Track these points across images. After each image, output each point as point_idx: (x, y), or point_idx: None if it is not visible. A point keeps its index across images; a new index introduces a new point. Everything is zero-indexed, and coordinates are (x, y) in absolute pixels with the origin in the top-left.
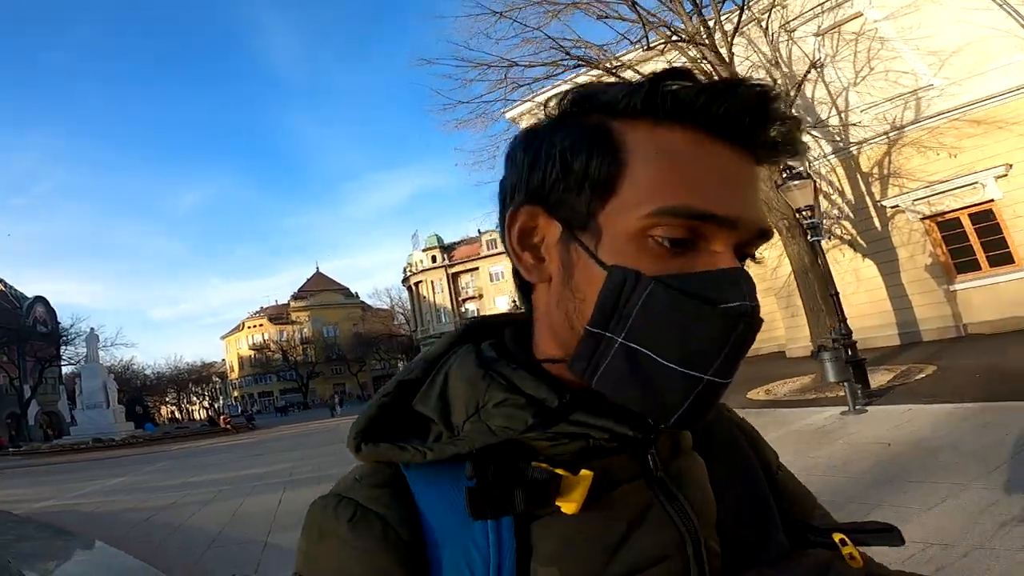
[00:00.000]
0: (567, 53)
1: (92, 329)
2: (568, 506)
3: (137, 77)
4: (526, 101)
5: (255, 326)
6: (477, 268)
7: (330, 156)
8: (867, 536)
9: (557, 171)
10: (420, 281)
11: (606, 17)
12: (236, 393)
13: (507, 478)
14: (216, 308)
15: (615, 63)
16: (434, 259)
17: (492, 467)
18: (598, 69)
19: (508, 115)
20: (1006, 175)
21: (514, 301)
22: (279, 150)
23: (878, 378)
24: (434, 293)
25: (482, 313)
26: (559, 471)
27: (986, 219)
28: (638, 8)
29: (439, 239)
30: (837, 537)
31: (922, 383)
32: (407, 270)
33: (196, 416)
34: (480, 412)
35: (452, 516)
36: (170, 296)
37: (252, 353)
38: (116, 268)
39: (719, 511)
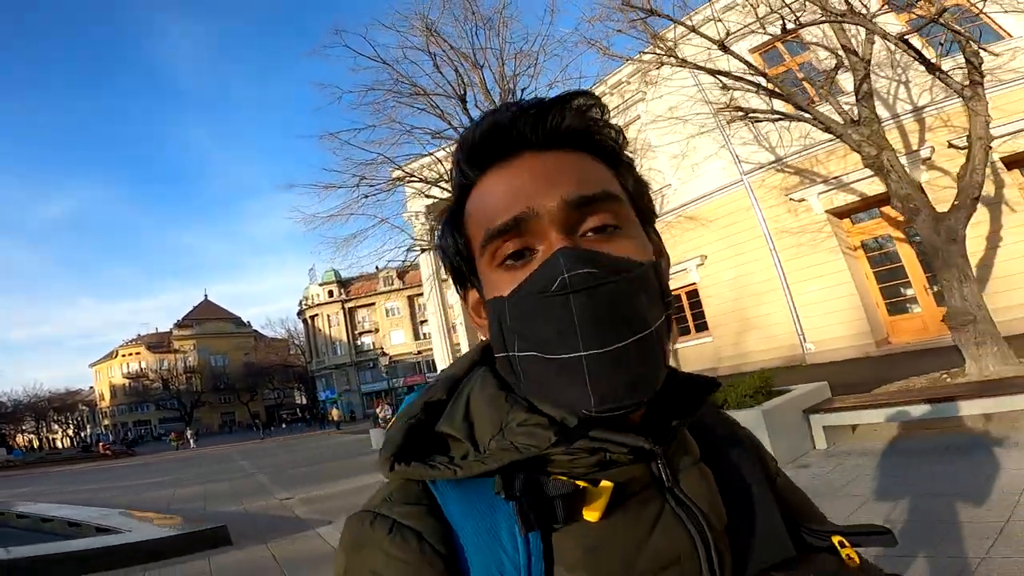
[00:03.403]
0: (402, 169)
1: None
2: (591, 515)
3: None
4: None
5: (131, 354)
6: (374, 303)
7: (227, 174)
8: (863, 538)
9: (448, 260)
10: (316, 315)
11: (440, 136)
12: (107, 422)
13: (533, 491)
14: (86, 330)
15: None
16: (331, 293)
17: (520, 480)
18: (427, 183)
19: (395, 175)
20: (703, 264)
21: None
22: (169, 164)
23: None
24: (330, 326)
25: (379, 346)
26: (580, 483)
27: (694, 296)
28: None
29: (336, 274)
30: (836, 539)
31: None
32: (303, 303)
33: (58, 445)
34: (504, 431)
35: (481, 528)
36: (27, 317)
37: (127, 382)
38: None
39: (729, 517)
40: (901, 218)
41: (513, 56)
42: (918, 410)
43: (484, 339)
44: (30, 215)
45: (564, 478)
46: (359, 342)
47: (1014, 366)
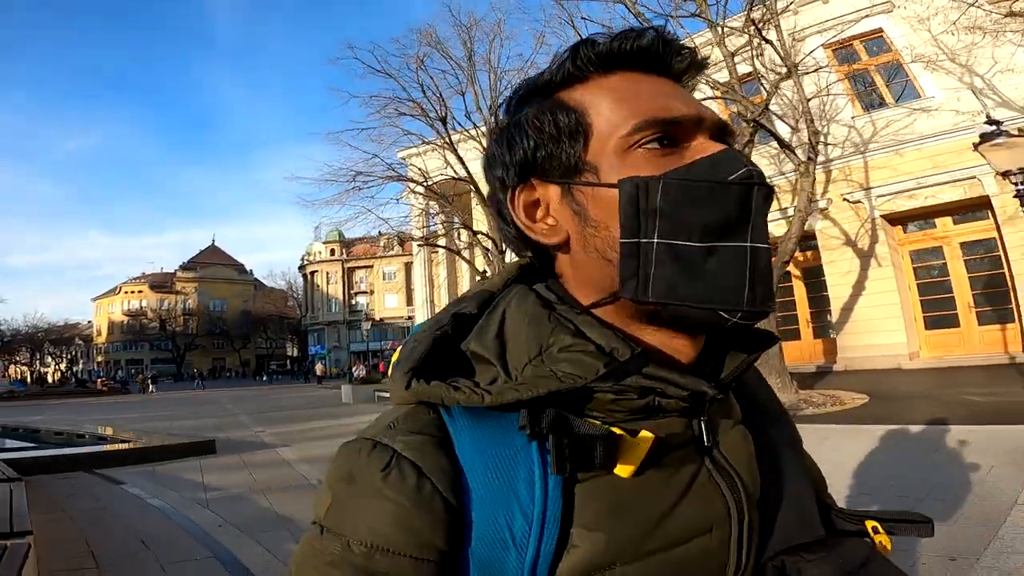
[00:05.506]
0: (391, 168)
1: None
2: (624, 469)
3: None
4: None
5: (133, 291)
6: (372, 266)
7: (248, 118)
8: (899, 525)
9: (533, 138)
10: (316, 271)
11: (429, 142)
12: (100, 358)
13: (563, 431)
14: (92, 262)
15: (427, 178)
16: (333, 252)
17: (549, 417)
18: (414, 182)
19: (400, 154)
20: None
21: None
22: (193, 103)
23: None
24: (328, 283)
25: (372, 308)
26: (616, 430)
27: None
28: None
29: (340, 234)
30: (870, 524)
31: None
32: (305, 258)
33: (49, 379)
34: (543, 355)
35: (496, 471)
36: (36, 243)
37: (126, 319)
38: None
39: (761, 488)
40: (801, 259)
41: (503, 74)
42: None
43: (523, 259)
44: (56, 143)
45: (597, 422)
46: (354, 301)
47: (790, 394)
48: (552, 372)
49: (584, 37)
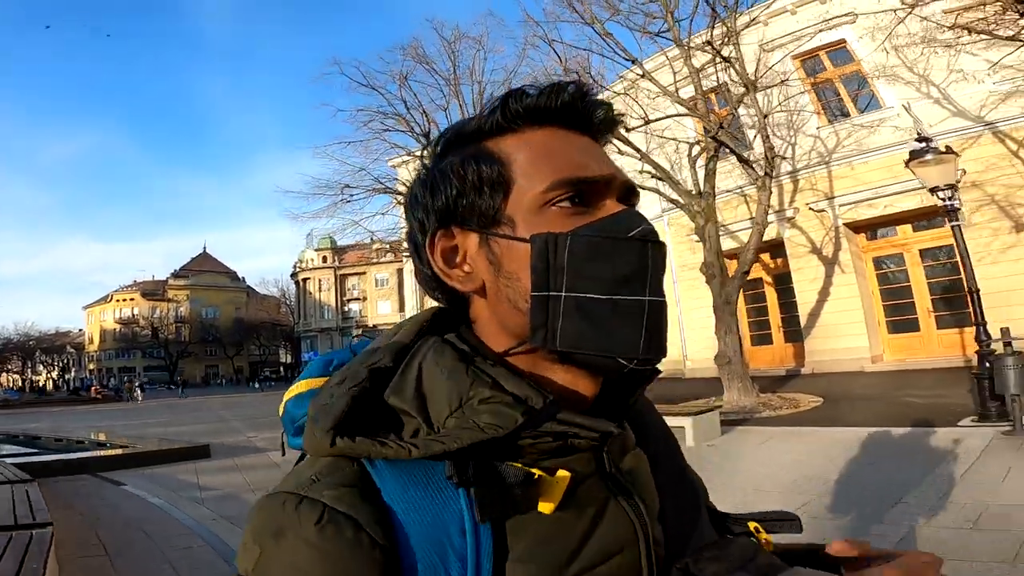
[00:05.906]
0: (378, 181)
1: None
2: (546, 506)
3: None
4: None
5: (125, 299)
6: (365, 272)
7: (240, 124)
8: (774, 524)
9: (456, 186)
10: (308, 278)
11: (416, 154)
12: (92, 366)
13: (488, 478)
14: (76, 270)
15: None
16: (325, 259)
17: (472, 466)
18: (401, 194)
19: (391, 163)
20: None
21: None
22: (183, 108)
23: None
24: (320, 291)
25: (365, 314)
26: (535, 471)
27: None
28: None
29: (332, 241)
30: (752, 525)
31: None
32: (297, 265)
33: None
34: (464, 408)
35: (424, 516)
36: (27, 251)
37: (118, 327)
38: None
39: (660, 502)
40: (772, 266)
41: (488, 84)
42: None
43: (436, 305)
44: (41, 149)
45: (518, 465)
46: (347, 308)
47: (751, 397)
48: (475, 423)
49: (515, 88)
